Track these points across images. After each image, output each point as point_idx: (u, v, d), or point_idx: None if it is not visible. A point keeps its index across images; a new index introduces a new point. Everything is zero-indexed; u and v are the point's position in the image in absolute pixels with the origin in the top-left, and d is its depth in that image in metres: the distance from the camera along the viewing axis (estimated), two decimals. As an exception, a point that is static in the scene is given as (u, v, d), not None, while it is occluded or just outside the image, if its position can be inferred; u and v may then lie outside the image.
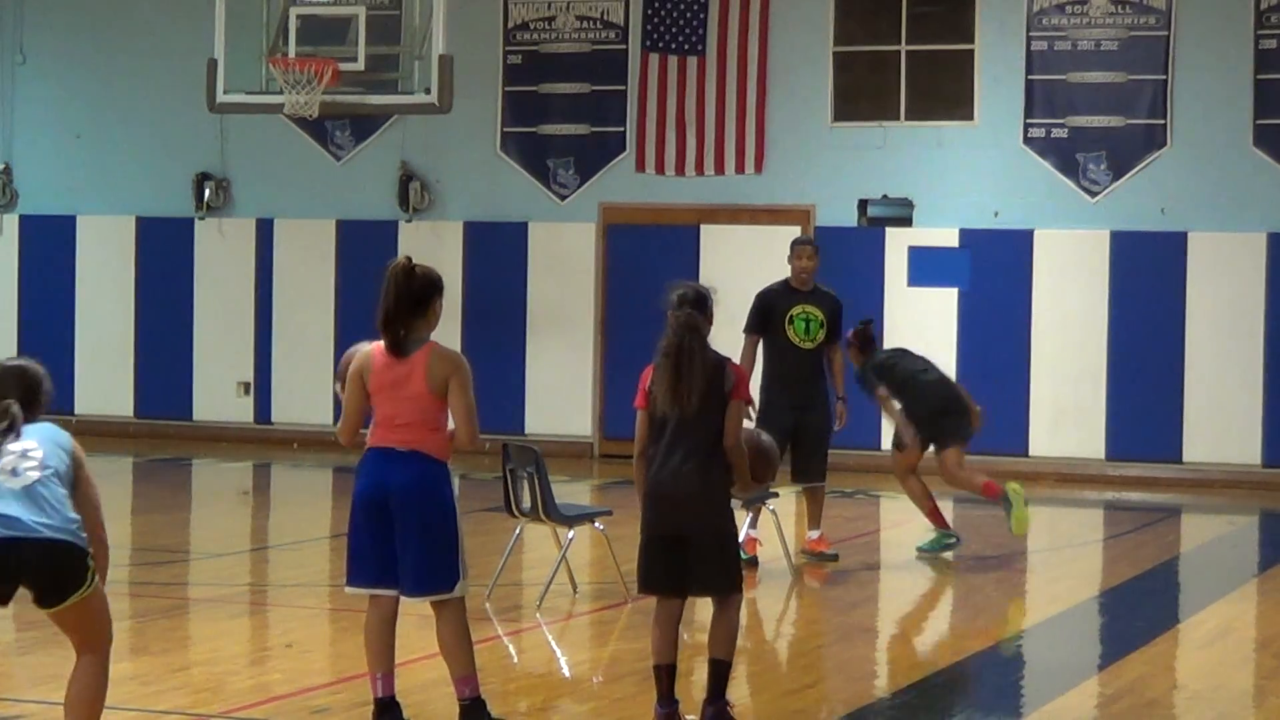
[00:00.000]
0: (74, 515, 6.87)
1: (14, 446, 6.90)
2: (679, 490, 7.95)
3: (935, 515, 13.98)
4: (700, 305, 8.09)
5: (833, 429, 13.52)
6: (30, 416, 7.00)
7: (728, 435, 7.97)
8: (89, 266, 22.37)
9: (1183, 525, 17.13)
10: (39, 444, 6.92)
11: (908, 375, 13.86)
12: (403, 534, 7.79)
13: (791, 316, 13.36)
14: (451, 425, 7.89)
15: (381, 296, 7.76)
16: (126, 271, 22.27)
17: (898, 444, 13.98)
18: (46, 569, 6.76)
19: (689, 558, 7.98)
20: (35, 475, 6.88)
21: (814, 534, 13.54)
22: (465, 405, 7.76)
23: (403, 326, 7.76)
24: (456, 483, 8.12)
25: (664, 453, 7.98)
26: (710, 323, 8.08)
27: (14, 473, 6.86)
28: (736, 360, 9.12)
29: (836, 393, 13.59)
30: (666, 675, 8.14)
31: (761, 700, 9.25)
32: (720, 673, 8.23)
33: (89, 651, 6.94)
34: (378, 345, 7.84)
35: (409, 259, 7.83)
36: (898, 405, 13.75)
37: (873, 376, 13.75)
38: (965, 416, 13.97)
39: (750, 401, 8.93)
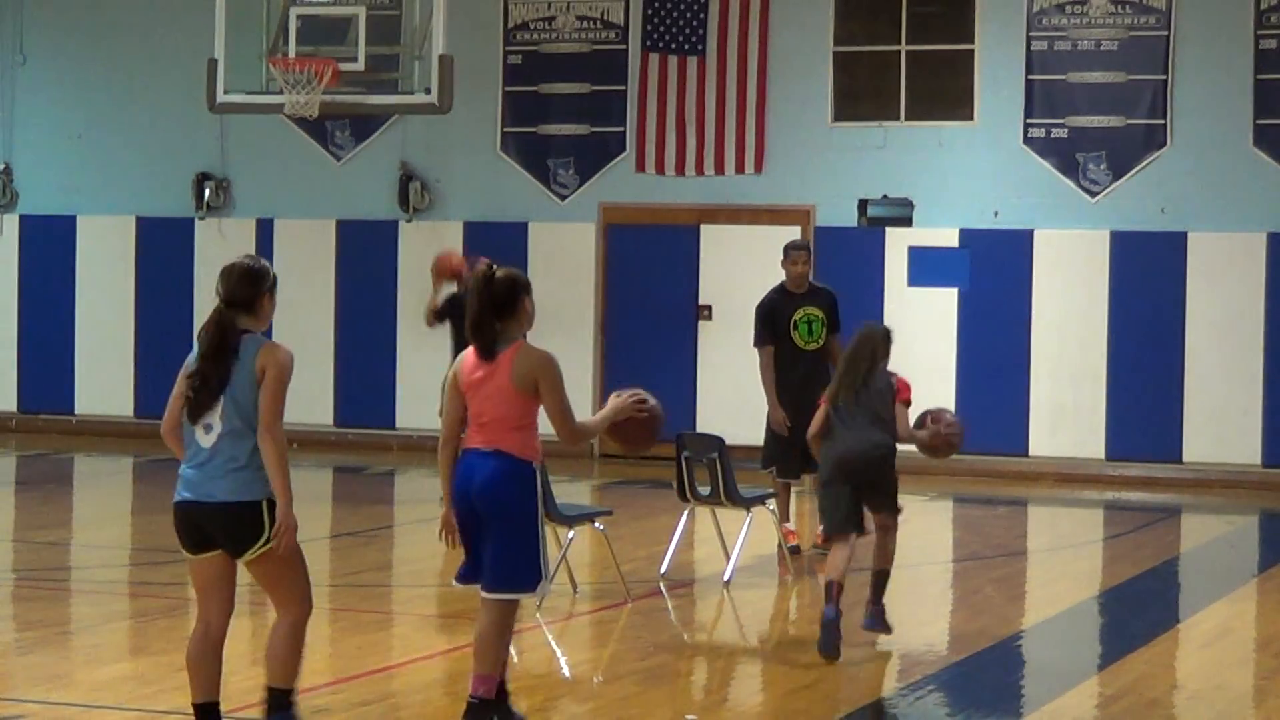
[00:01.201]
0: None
1: None
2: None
3: None
4: (890, 334, 10.68)
5: None
6: None
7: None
8: (89, 266, 22.36)
9: (1183, 525, 17.13)
10: None
11: None
12: (485, 532, 7.97)
13: (795, 321, 13.68)
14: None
15: (468, 305, 8.06)
16: (126, 271, 22.27)
17: None
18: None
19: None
20: None
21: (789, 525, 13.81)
22: (555, 404, 7.94)
23: (490, 330, 7.98)
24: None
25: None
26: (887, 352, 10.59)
27: None
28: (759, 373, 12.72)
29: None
30: (837, 588, 10.03)
31: (761, 700, 9.25)
32: (882, 581, 10.51)
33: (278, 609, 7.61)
34: (470, 349, 8.07)
35: (489, 264, 8.07)
36: None
37: None
38: None
39: (909, 402, 10.56)
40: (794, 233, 19.82)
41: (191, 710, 7.67)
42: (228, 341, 7.47)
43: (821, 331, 13.63)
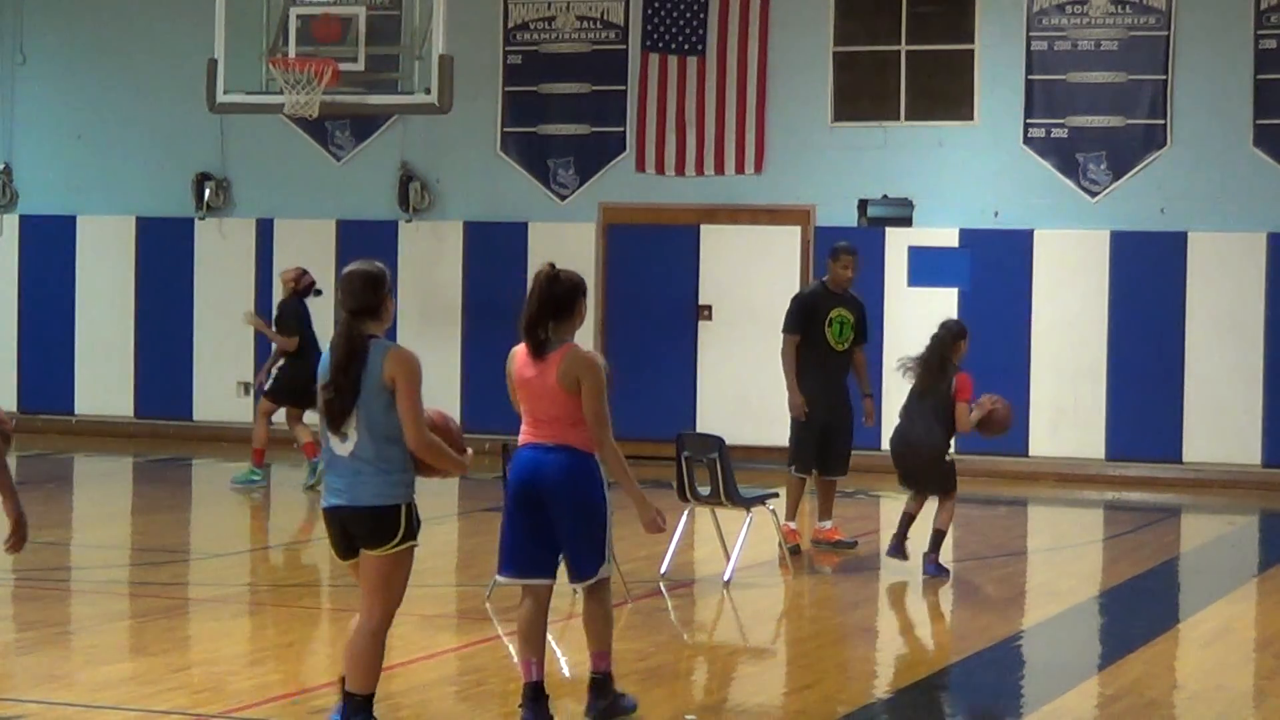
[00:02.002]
0: None
1: None
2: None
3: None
4: (961, 332, 12.92)
5: (855, 427, 14.12)
6: None
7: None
8: (89, 266, 22.36)
9: (1183, 525, 17.13)
10: None
11: None
12: (559, 525, 8.24)
13: (830, 319, 13.88)
14: None
15: (525, 301, 8.37)
16: (126, 271, 22.26)
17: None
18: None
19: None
20: None
21: (827, 524, 14.02)
22: (594, 409, 8.23)
23: (544, 329, 8.36)
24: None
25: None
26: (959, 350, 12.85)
27: None
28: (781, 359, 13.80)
29: (862, 390, 14.17)
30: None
31: (761, 700, 9.25)
32: (939, 539, 12.80)
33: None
34: (521, 346, 8.39)
35: (552, 265, 8.49)
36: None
37: None
38: None
39: (969, 400, 12.67)
40: (794, 232, 19.86)
41: (342, 699, 7.80)
42: (357, 350, 7.62)
43: (850, 336, 13.88)
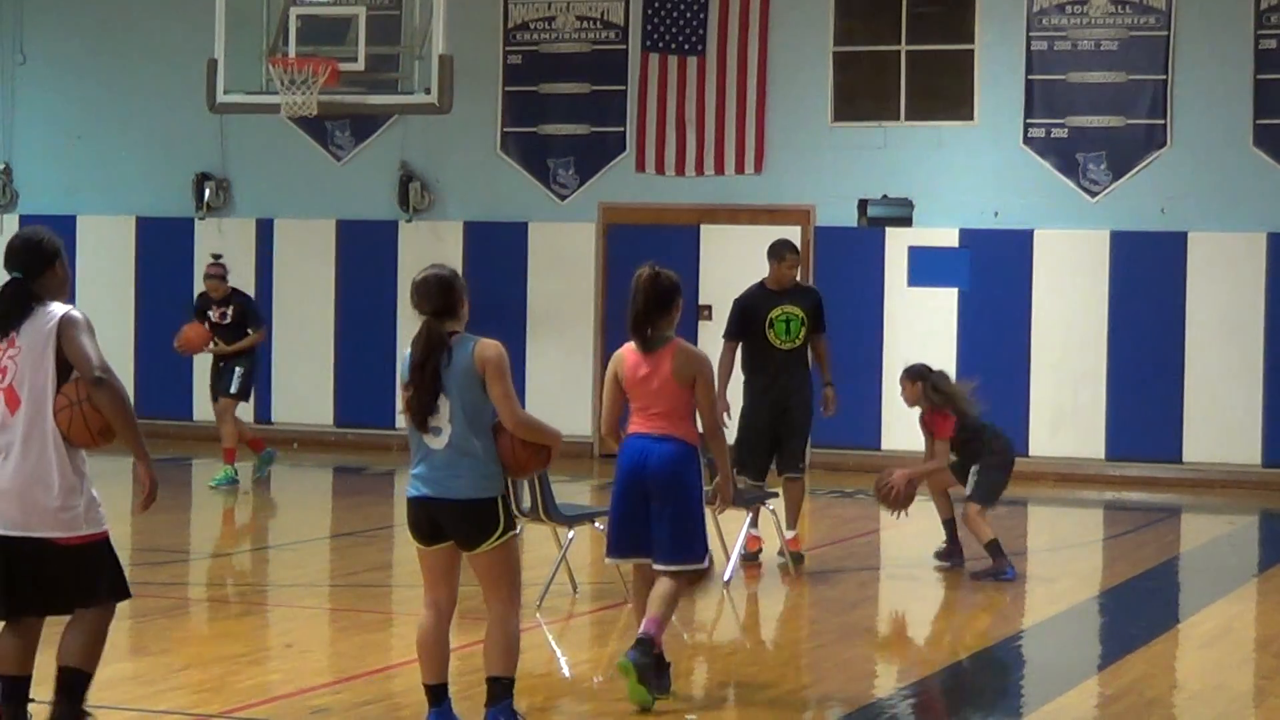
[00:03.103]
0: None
1: None
2: None
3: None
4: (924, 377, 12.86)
5: (811, 422, 13.58)
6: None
7: None
8: (89, 266, 22.33)
9: (1183, 525, 17.13)
10: None
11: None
12: (657, 511, 8.87)
13: (771, 320, 13.35)
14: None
15: (630, 301, 8.88)
16: (126, 271, 22.27)
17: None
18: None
19: None
20: None
21: (790, 533, 13.34)
22: (708, 400, 8.90)
23: (650, 326, 8.86)
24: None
25: None
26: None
27: None
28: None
29: (824, 379, 13.66)
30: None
31: (761, 700, 9.25)
32: (951, 528, 13.39)
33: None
34: (628, 345, 8.98)
35: (652, 265, 8.90)
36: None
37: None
38: None
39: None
40: (794, 233, 19.81)
41: (425, 692, 8.00)
42: (435, 349, 7.82)
43: (800, 330, 13.31)
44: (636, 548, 8.98)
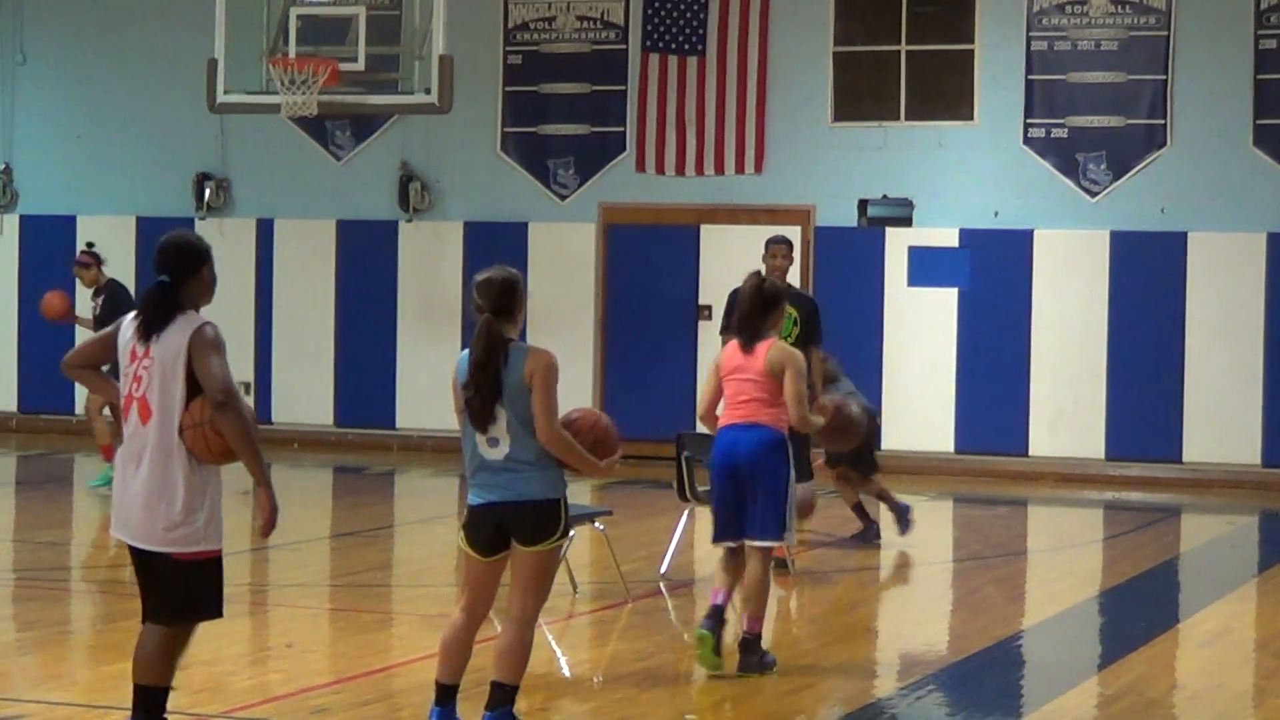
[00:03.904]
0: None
1: None
2: None
3: None
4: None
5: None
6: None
7: None
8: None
9: (1183, 525, 17.12)
10: None
11: None
12: (751, 493, 9.64)
13: None
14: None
15: (737, 305, 9.86)
16: (127, 272, 22.17)
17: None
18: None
19: None
20: None
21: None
22: (795, 391, 9.65)
23: (753, 328, 9.75)
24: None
25: None
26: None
27: None
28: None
29: (815, 390, 13.50)
30: None
31: (761, 700, 9.25)
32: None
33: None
34: (731, 343, 9.87)
35: (758, 274, 9.99)
36: None
37: None
38: None
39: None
40: (794, 233, 19.81)
41: (436, 689, 7.95)
42: (495, 348, 7.83)
43: (793, 330, 13.08)
44: (739, 531, 9.70)
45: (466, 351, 7.96)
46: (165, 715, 7.46)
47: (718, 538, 9.82)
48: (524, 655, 7.94)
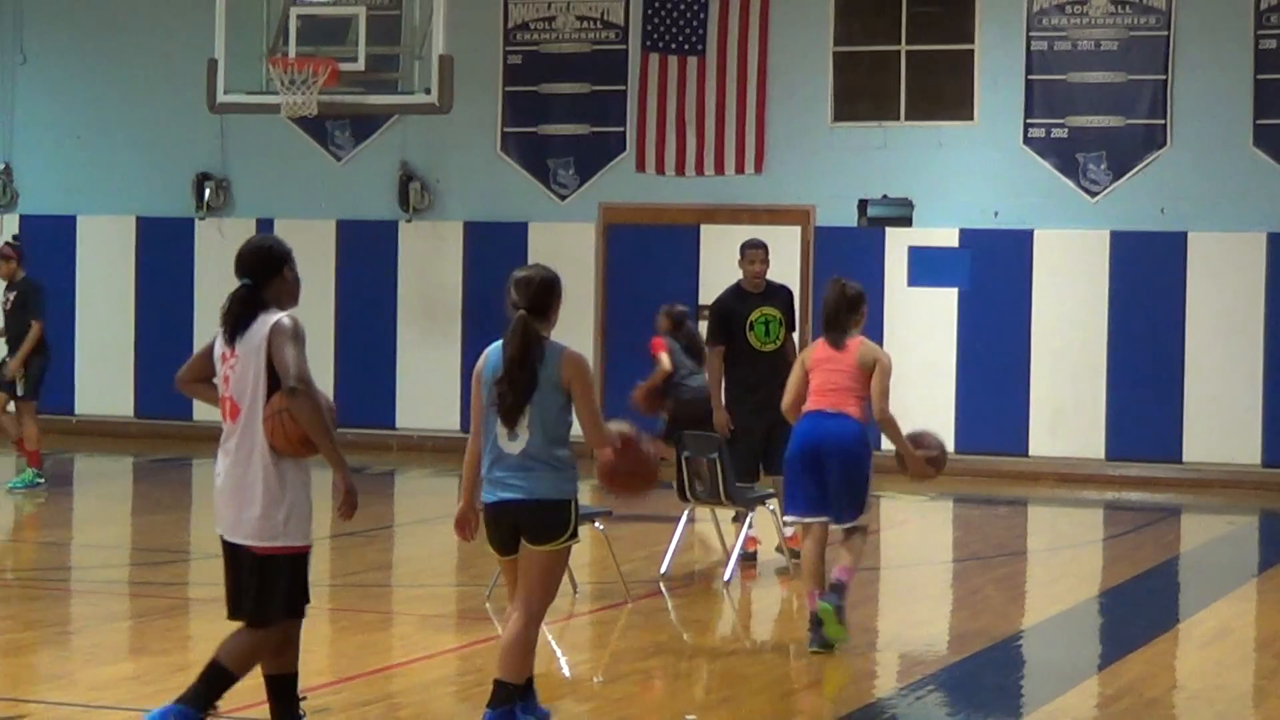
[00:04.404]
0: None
1: None
2: None
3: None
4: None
5: None
6: None
7: None
8: (89, 266, 22.37)
9: (1183, 525, 17.13)
10: None
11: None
12: (835, 478, 10.19)
13: (752, 322, 13.25)
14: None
15: (824, 306, 10.42)
16: (126, 271, 22.27)
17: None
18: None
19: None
20: None
21: (789, 530, 13.37)
22: (881, 387, 10.23)
23: (841, 326, 10.32)
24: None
25: None
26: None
27: None
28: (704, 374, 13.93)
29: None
30: None
31: (761, 700, 9.25)
32: None
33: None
34: (819, 340, 10.42)
35: (840, 279, 10.51)
36: None
37: None
38: None
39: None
40: (794, 233, 19.85)
41: (494, 687, 7.95)
42: (531, 346, 7.86)
43: (779, 331, 13.26)
44: (812, 508, 10.27)
45: (495, 346, 7.97)
46: (299, 699, 7.69)
47: (790, 511, 10.40)
48: (526, 653, 7.93)
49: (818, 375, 10.32)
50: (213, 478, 7.74)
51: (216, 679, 7.53)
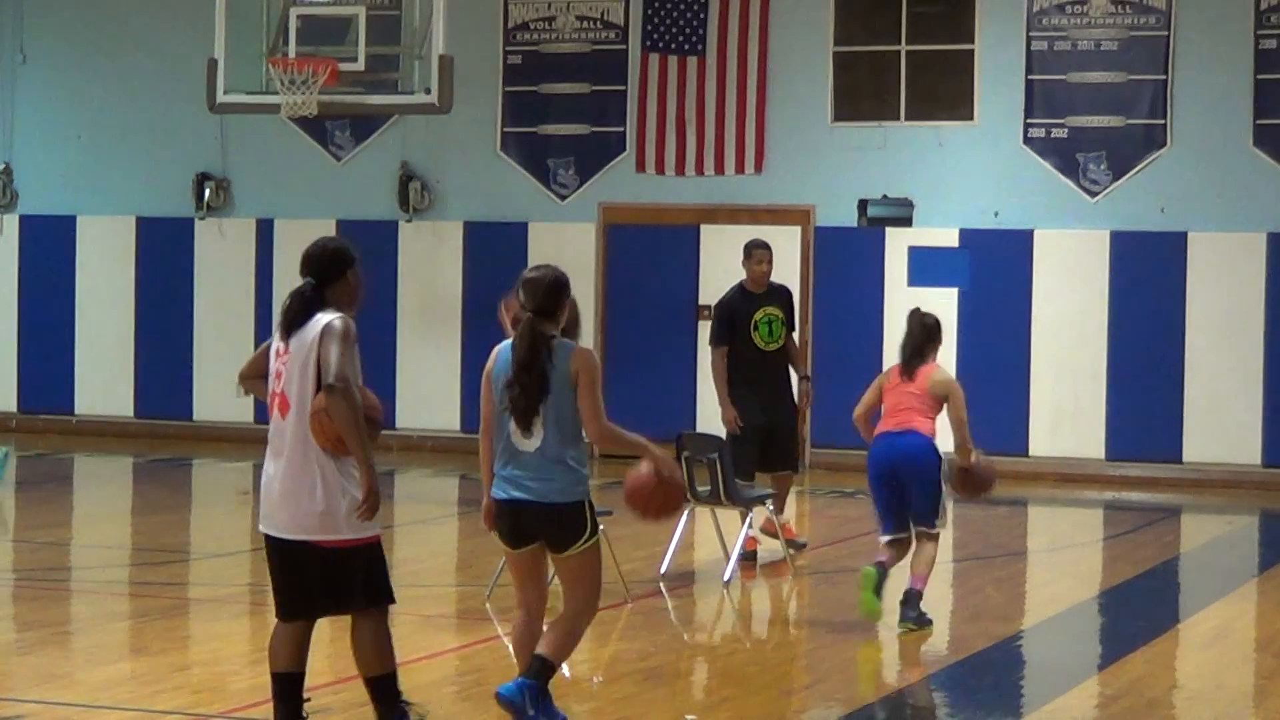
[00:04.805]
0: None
1: None
2: None
3: None
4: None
5: (797, 419, 13.86)
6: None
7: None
8: (89, 266, 22.37)
9: (1183, 525, 17.13)
10: None
11: None
12: (912, 490, 10.96)
13: (755, 322, 13.39)
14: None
15: (907, 338, 11.22)
16: (126, 271, 22.27)
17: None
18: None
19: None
20: None
21: (784, 520, 13.50)
22: (958, 415, 10.99)
23: (919, 356, 11.13)
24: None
25: None
26: None
27: None
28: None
29: (800, 373, 13.89)
30: None
31: (761, 700, 9.25)
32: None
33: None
34: (894, 366, 11.17)
35: (919, 310, 11.44)
36: None
37: None
38: None
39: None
40: (794, 233, 19.84)
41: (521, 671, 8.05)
42: (540, 347, 7.89)
43: (782, 332, 13.42)
44: (903, 525, 11.02)
45: (504, 346, 8.00)
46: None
47: (886, 530, 11.09)
48: (571, 641, 8.06)
49: (890, 398, 11.09)
50: (261, 478, 7.76)
51: (382, 691, 7.79)
